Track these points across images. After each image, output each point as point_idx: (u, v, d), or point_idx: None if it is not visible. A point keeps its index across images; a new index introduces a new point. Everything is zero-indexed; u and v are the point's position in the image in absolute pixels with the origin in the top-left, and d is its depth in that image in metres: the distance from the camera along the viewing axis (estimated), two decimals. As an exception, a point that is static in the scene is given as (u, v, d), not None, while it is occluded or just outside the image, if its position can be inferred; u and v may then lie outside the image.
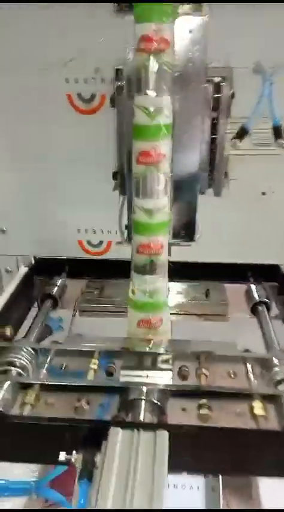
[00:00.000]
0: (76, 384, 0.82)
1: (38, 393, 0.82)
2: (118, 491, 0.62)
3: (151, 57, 0.74)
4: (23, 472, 0.85)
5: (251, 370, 0.90)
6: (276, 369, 0.86)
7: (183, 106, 0.87)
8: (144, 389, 0.80)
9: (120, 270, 1.15)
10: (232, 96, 0.93)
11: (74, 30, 0.95)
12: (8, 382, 0.82)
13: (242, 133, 0.90)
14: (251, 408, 0.80)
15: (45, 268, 1.25)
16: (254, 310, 1.15)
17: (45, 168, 1.12)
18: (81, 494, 0.66)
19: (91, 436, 0.70)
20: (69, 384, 0.82)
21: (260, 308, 1.14)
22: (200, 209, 1.01)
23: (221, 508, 1.07)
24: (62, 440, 0.71)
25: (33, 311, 1.20)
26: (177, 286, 1.21)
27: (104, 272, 1.25)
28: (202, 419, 0.78)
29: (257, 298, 1.16)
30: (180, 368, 0.90)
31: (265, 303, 1.15)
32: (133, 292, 0.91)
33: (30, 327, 1.07)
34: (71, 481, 0.88)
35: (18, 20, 0.96)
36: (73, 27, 0.95)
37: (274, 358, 0.89)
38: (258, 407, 0.79)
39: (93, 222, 1.19)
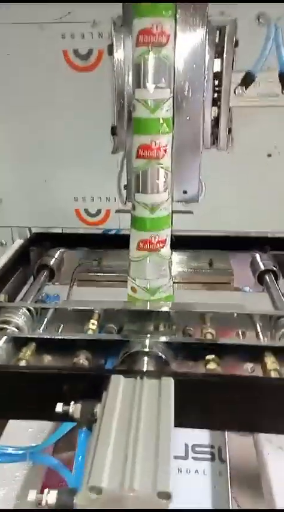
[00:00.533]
0: (74, 338, 0.76)
1: (34, 350, 0.77)
2: (120, 441, 0.56)
3: (151, 51, 0.74)
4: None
5: (260, 331, 0.85)
6: (287, 325, 0.81)
7: (186, 55, 0.85)
8: (147, 342, 0.74)
9: (119, 242, 1.12)
10: (236, 44, 0.90)
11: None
12: (4, 337, 0.76)
13: (247, 79, 0.86)
14: (263, 365, 0.74)
15: (41, 240, 1.20)
16: (260, 280, 1.10)
17: (41, 131, 1.08)
18: (81, 444, 0.60)
19: (91, 386, 0.64)
20: (66, 337, 0.76)
21: (267, 276, 1.09)
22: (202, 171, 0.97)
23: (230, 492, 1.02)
24: (60, 392, 0.65)
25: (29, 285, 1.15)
26: (179, 256, 1.16)
27: (103, 243, 1.20)
28: (210, 374, 0.73)
29: (262, 266, 1.11)
30: (184, 328, 0.85)
31: (273, 271, 1.10)
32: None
33: (24, 294, 1.02)
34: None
35: None
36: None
37: (284, 317, 0.83)
38: (271, 361, 0.73)
39: (91, 188, 1.14)
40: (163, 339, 0.75)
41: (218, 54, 0.89)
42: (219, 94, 0.92)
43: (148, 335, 0.77)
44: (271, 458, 1.02)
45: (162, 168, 0.82)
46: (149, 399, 0.60)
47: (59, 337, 0.78)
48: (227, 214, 1.14)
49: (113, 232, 1.24)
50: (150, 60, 0.75)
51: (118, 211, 1.12)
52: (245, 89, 0.88)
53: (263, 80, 0.92)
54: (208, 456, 1.07)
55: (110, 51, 0.89)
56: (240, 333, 0.85)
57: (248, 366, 0.75)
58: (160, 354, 0.72)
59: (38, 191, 1.15)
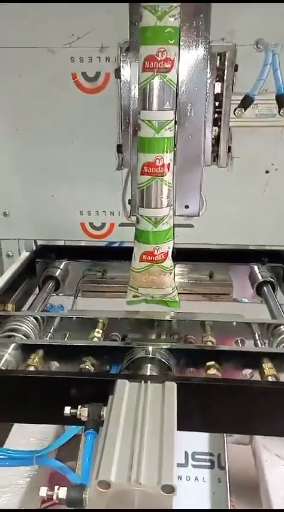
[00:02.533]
0: (80, 344, 0.80)
1: (42, 357, 0.80)
2: (126, 439, 0.59)
3: (156, 76, 0.79)
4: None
5: (258, 339, 0.88)
6: (284, 334, 0.85)
7: (189, 79, 0.90)
8: (150, 348, 0.77)
9: (122, 254, 1.16)
10: (236, 69, 0.95)
11: (80, 9, 0.98)
12: (13, 344, 0.79)
13: (246, 101, 0.91)
14: (261, 370, 0.77)
15: (46, 253, 1.24)
16: (259, 291, 1.14)
17: (48, 148, 1.12)
18: (88, 445, 0.63)
19: (97, 390, 0.68)
20: (73, 344, 0.80)
21: (265, 288, 1.12)
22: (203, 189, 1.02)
23: (229, 499, 1.04)
24: (67, 396, 0.68)
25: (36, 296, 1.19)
26: (181, 268, 1.20)
27: (106, 256, 1.24)
28: (210, 380, 0.76)
29: (260, 278, 1.15)
30: (185, 336, 0.88)
31: (270, 283, 1.14)
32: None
33: (31, 304, 1.06)
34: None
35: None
36: (78, 6, 0.98)
37: (282, 326, 0.87)
38: (268, 367, 0.77)
39: (96, 203, 1.18)
40: (165, 345, 0.79)
41: (219, 77, 0.95)
42: (220, 114, 0.98)
43: (151, 342, 0.80)
44: (268, 466, 1.05)
45: (165, 184, 0.87)
46: (153, 402, 0.64)
47: (66, 344, 0.81)
48: (227, 228, 1.18)
49: (116, 244, 1.28)
50: (155, 85, 0.80)
51: (122, 224, 1.17)
52: (244, 110, 0.93)
53: (261, 102, 0.97)
54: (208, 463, 1.09)
55: (117, 74, 0.95)
56: (239, 340, 0.89)
57: (247, 371, 0.79)
58: (163, 360, 0.76)
59: (45, 205, 1.19)
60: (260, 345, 0.87)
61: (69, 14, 0.98)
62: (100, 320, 0.90)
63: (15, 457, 0.78)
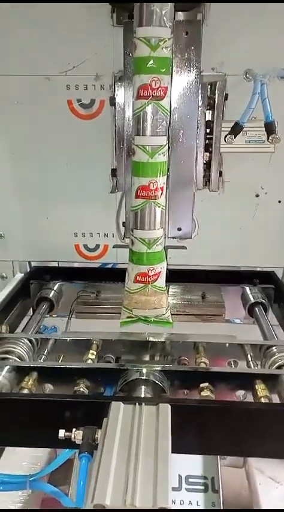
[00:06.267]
0: (74, 367, 0.80)
1: (36, 379, 0.80)
2: (121, 464, 0.60)
3: (150, 104, 0.81)
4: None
5: (251, 360, 0.89)
6: (277, 355, 0.86)
7: (181, 107, 0.94)
8: (144, 370, 0.78)
9: (116, 275, 1.17)
10: (226, 97, 0.99)
11: (75, 39, 1.02)
12: (7, 367, 0.79)
13: (236, 129, 0.95)
14: (254, 392, 0.78)
15: (40, 274, 1.25)
16: (250, 312, 1.16)
17: (44, 172, 1.15)
18: (82, 469, 0.63)
19: (92, 413, 0.68)
20: (67, 366, 0.80)
21: (257, 309, 1.14)
22: (195, 211, 1.05)
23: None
24: (61, 419, 0.69)
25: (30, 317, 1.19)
26: (174, 289, 1.21)
27: (100, 277, 1.25)
28: (204, 402, 0.77)
29: (252, 299, 1.17)
30: (179, 357, 0.89)
31: (262, 304, 1.15)
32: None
33: (25, 326, 1.06)
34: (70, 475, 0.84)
35: (19, 29, 1.02)
36: (74, 37, 1.01)
37: (274, 347, 0.88)
38: (261, 388, 0.77)
39: (90, 225, 1.20)
40: (159, 367, 0.79)
41: (210, 106, 0.98)
42: (211, 141, 1.01)
43: (145, 364, 0.81)
44: (262, 488, 1.04)
45: (158, 207, 0.89)
46: (148, 424, 0.64)
47: (60, 366, 0.81)
48: (218, 250, 1.20)
49: (110, 266, 1.30)
50: (148, 112, 0.82)
51: (115, 246, 1.18)
52: (234, 137, 0.96)
53: (251, 129, 1.00)
54: (201, 487, 1.08)
55: (111, 102, 0.98)
56: (232, 362, 0.90)
57: (240, 392, 0.80)
58: (157, 381, 0.76)
59: (40, 227, 1.20)
60: (253, 366, 0.88)
61: (66, 43, 1.02)
62: (94, 342, 0.91)
63: (8, 482, 0.78)
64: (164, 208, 0.91)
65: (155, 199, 0.87)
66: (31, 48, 1.03)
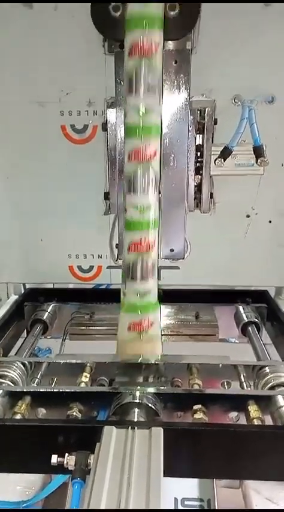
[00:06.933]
0: (68, 391, 0.80)
1: (29, 404, 0.80)
2: (113, 490, 0.59)
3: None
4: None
5: (244, 381, 0.90)
6: (269, 376, 0.86)
7: (171, 132, 0.96)
8: (137, 393, 0.78)
9: (111, 296, 1.18)
10: (215, 122, 1.02)
11: (68, 67, 1.05)
12: (0, 391, 0.79)
13: (225, 153, 0.97)
14: (247, 413, 0.79)
15: (35, 295, 1.26)
16: (244, 331, 1.16)
17: (38, 195, 1.17)
18: (75, 495, 0.63)
19: (85, 438, 0.68)
20: (60, 390, 0.80)
21: (250, 328, 1.15)
22: (187, 232, 1.06)
23: None
24: (55, 444, 0.69)
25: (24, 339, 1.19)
26: (167, 309, 1.22)
27: (94, 298, 1.26)
28: (197, 424, 0.77)
29: (245, 318, 1.17)
30: (172, 379, 0.89)
31: (255, 323, 1.16)
32: (124, 294, 0.92)
33: (19, 348, 1.06)
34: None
35: (14, 58, 1.05)
36: (67, 64, 1.04)
37: (267, 367, 0.89)
38: (254, 409, 0.78)
39: (84, 246, 1.22)
40: (152, 390, 0.80)
41: (200, 130, 1.01)
42: (201, 164, 1.04)
43: (138, 386, 0.81)
44: (259, 510, 1.03)
45: (150, 260, 0.89)
46: (140, 449, 0.64)
47: (53, 390, 0.81)
48: (211, 269, 1.21)
49: (104, 286, 1.31)
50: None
51: (109, 267, 1.19)
52: (224, 160, 0.99)
53: (240, 153, 1.03)
54: (198, 509, 1.07)
55: (104, 128, 1.00)
56: (225, 382, 0.90)
57: (233, 414, 0.80)
58: (150, 404, 0.77)
59: (34, 249, 1.22)
60: (246, 387, 0.88)
61: (59, 71, 1.05)
62: (88, 364, 0.91)
63: (1, 509, 0.77)
64: (155, 261, 0.91)
65: (147, 252, 0.87)
66: (25, 75, 1.06)
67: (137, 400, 0.77)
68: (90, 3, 0.85)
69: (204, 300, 1.24)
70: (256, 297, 1.25)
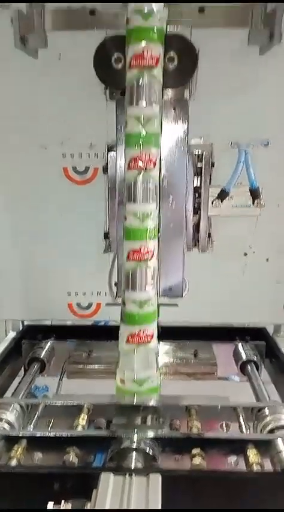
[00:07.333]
0: (64, 435, 0.79)
1: (25, 448, 0.79)
2: None
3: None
4: None
5: (243, 423, 0.89)
6: (268, 418, 0.85)
7: (170, 174, 0.99)
8: (135, 438, 0.77)
9: (108, 333, 1.18)
10: (212, 165, 1.05)
11: (72, 112, 1.09)
12: (-6, 435, 0.78)
13: (222, 194, 1.00)
14: (246, 458, 0.77)
15: (33, 332, 1.26)
16: (243, 369, 1.16)
17: (39, 233, 1.18)
18: None
19: (81, 484, 0.67)
20: (57, 435, 0.79)
21: (249, 366, 1.14)
22: (186, 270, 1.08)
23: None
24: (50, 491, 0.67)
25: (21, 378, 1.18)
26: (166, 347, 1.21)
27: (92, 335, 1.26)
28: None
29: (244, 357, 1.17)
30: (171, 422, 0.88)
31: (254, 362, 1.15)
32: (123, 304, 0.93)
33: (16, 387, 1.05)
34: None
35: (20, 103, 1.09)
36: (70, 110, 1.08)
37: (266, 408, 0.88)
38: (253, 454, 0.77)
39: (83, 284, 1.22)
40: (150, 434, 0.79)
41: (198, 173, 1.04)
42: (199, 204, 1.06)
43: (136, 430, 0.80)
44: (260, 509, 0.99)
45: (149, 269, 0.91)
46: (138, 496, 0.63)
47: (49, 435, 0.80)
48: (210, 307, 1.22)
49: (102, 323, 1.31)
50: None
51: (108, 304, 1.20)
52: (221, 202, 1.01)
53: (237, 194, 1.06)
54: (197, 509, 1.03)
55: (105, 170, 1.03)
56: (224, 425, 0.89)
57: (232, 458, 0.79)
58: (147, 449, 0.75)
59: (34, 286, 1.22)
60: (245, 429, 0.87)
61: (63, 115, 1.09)
62: (85, 405, 0.90)
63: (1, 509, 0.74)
64: (156, 270, 0.92)
65: (146, 261, 0.89)
66: (29, 119, 1.09)
67: (135, 446, 0.76)
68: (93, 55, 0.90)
69: (203, 337, 1.24)
70: (255, 334, 1.25)
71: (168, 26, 0.86)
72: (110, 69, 0.91)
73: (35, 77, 1.06)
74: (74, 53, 1.03)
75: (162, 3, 0.81)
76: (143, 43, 0.81)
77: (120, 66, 0.91)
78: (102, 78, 0.93)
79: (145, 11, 0.81)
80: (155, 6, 0.80)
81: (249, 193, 1.04)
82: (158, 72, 0.84)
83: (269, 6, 0.97)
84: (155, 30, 0.82)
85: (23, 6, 0.99)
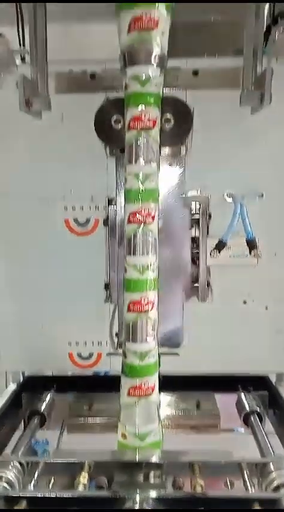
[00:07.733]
0: (65, 497, 0.77)
1: (25, 507, 0.76)
2: None
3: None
4: None
5: (248, 479, 0.86)
6: (274, 474, 0.83)
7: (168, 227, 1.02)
8: (138, 498, 0.75)
9: (109, 384, 1.17)
10: (209, 217, 1.08)
11: (74, 168, 1.13)
12: (-6, 497, 0.76)
13: (220, 245, 1.02)
14: (252, 516, 0.75)
15: (33, 384, 1.24)
16: (246, 420, 1.14)
17: (39, 282, 1.20)
18: None
19: None
20: (57, 496, 0.77)
21: (252, 418, 1.12)
22: (186, 319, 1.09)
23: None
24: None
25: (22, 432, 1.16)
26: (167, 397, 1.20)
27: (93, 386, 1.24)
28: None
29: (248, 408, 1.15)
30: (174, 479, 0.86)
31: (257, 413, 1.14)
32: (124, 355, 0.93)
33: (16, 443, 1.03)
34: None
35: (24, 160, 1.14)
36: (73, 165, 1.13)
37: (271, 464, 0.86)
38: None
39: (84, 334, 1.22)
40: (153, 494, 0.77)
41: (195, 224, 1.07)
42: (197, 255, 1.09)
43: (138, 490, 0.78)
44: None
45: (150, 320, 0.92)
46: None
47: (50, 496, 0.78)
48: (210, 356, 1.21)
49: (103, 373, 1.29)
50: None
51: (109, 354, 1.19)
52: (219, 252, 1.03)
53: (234, 245, 1.08)
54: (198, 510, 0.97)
55: (105, 223, 1.06)
56: (228, 482, 0.87)
57: (238, 519, 0.76)
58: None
59: (34, 336, 1.22)
60: (249, 486, 0.85)
61: (64, 170, 1.13)
62: (86, 463, 0.88)
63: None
64: (156, 321, 0.93)
65: (146, 312, 0.90)
66: (33, 174, 1.14)
67: (137, 507, 0.73)
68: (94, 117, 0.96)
69: (205, 387, 1.23)
70: (257, 383, 1.24)
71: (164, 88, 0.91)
72: (110, 129, 0.96)
73: (39, 137, 1.12)
74: (76, 114, 1.09)
75: (159, 69, 0.87)
76: (141, 107, 0.86)
77: (119, 126, 0.96)
78: (103, 138, 0.98)
79: (143, 78, 0.86)
80: (151, 72, 0.86)
81: (246, 244, 1.06)
82: (155, 132, 0.88)
83: (259, 68, 1.04)
84: (152, 95, 0.87)
85: (27, 71, 1.06)
